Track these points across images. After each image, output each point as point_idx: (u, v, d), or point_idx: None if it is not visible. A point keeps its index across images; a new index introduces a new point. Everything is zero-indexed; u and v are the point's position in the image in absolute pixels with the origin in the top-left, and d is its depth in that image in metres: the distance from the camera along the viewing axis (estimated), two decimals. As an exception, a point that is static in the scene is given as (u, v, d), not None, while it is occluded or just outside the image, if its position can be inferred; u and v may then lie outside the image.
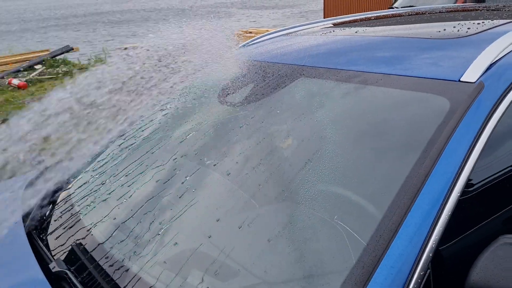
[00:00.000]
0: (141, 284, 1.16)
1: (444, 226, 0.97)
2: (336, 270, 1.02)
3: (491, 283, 0.89)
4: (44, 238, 1.52)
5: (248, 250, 1.17)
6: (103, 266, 1.26)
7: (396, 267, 0.93)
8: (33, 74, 11.13)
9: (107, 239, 1.36)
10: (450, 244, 1.00)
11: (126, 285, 1.17)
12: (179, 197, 1.39)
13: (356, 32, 1.87)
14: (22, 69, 11.63)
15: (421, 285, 0.92)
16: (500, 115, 1.12)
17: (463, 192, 1.02)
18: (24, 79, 10.58)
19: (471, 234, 1.06)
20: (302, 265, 1.06)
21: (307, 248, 1.10)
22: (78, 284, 1.20)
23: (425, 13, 2.14)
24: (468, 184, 1.04)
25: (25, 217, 1.61)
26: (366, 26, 1.99)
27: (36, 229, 1.57)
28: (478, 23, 1.55)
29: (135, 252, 1.27)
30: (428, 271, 0.93)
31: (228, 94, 1.76)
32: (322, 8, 15.64)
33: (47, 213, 1.67)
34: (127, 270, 1.22)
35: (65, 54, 13.15)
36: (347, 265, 0.98)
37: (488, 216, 1.12)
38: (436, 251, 0.95)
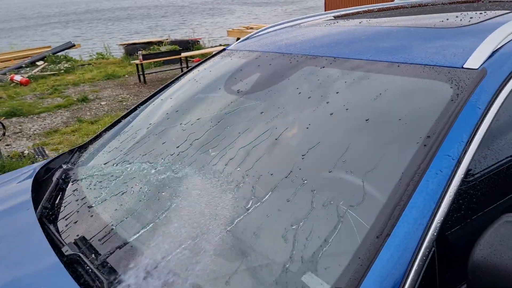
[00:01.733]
0: (151, 264, 1.19)
1: (448, 207, 1.00)
2: (343, 250, 1.05)
3: (494, 260, 0.92)
4: (55, 223, 1.55)
5: (265, 233, 1.20)
6: (113, 248, 1.29)
7: (402, 245, 0.96)
8: (35, 70, 11.16)
9: (117, 222, 1.40)
10: (455, 222, 1.03)
11: (137, 265, 1.20)
12: (191, 182, 1.42)
13: (360, 23, 1.89)
14: (24, 65, 11.67)
15: (426, 262, 0.95)
16: (503, 99, 1.15)
17: (467, 174, 1.05)
18: (26, 75, 10.61)
19: (474, 213, 1.09)
20: (310, 246, 1.10)
21: (315, 230, 1.13)
22: (91, 266, 1.23)
23: (427, 5, 2.16)
24: (471, 166, 1.07)
25: (36, 204, 1.64)
26: (371, 18, 2.01)
27: (47, 215, 1.60)
28: (480, 13, 1.58)
29: (144, 233, 1.30)
30: (433, 248, 0.96)
31: (234, 84, 1.79)
32: (323, 4, 15.66)
33: (57, 200, 1.70)
34: (137, 251, 1.25)
35: (67, 50, 13.19)
36: (353, 244, 1.01)
37: (490, 198, 1.16)
38: (441, 230, 0.98)
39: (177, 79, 2.17)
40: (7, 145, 6.26)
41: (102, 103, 8.44)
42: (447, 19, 1.64)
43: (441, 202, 1.00)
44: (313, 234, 1.10)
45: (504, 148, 1.18)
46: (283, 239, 1.13)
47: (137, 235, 1.31)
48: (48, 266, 1.33)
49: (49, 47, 13.48)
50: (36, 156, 5.37)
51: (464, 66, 1.23)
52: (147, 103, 2.11)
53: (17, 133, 6.86)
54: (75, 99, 8.66)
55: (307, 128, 1.40)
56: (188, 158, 1.51)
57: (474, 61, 1.23)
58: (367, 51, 1.51)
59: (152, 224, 1.34)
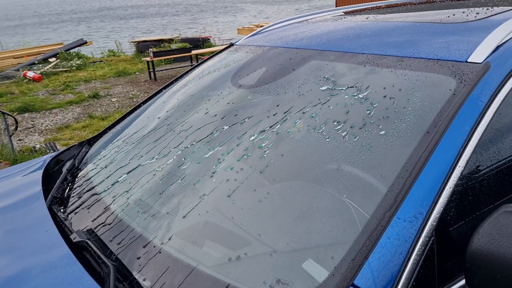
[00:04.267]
0: (156, 251, 1.22)
1: (448, 197, 1.02)
2: (343, 239, 1.06)
3: (492, 248, 0.93)
4: (64, 212, 1.59)
5: (267, 223, 1.22)
6: (120, 236, 1.32)
7: (402, 234, 0.97)
8: (47, 67, 11.29)
9: (123, 210, 1.43)
10: (454, 213, 1.04)
11: (144, 252, 1.23)
12: (197, 172, 1.45)
13: (366, 18, 1.90)
14: (36, 61, 11.82)
15: (425, 251, 0.96)
16: (506, 93, 1.16)
17: (467, 166, 1.06)
18: (39, 72, 10.74)
19: (474, 204, 1.10)
20: (311, 235, 1.12)
21: (317, 219, 1.15)
22: (98, 252, 1.26)
23: (436, 1, 2.17)
24: (472, 158, 1.08)
25: (46, 194, 1.68)
26: (378, 14, 2.02)
27: (56, 204, 1.64)
28: (487, 9, 1.59)
29: (150, 221, 1.33)
30: (432, 238, 0.98)
31: (241, 78, 1.82)
32: (334, 3, 15.62)
33: (66, 190, 1.74)
34: (143, 239, 1.28)
35: (79, 47, 13.32)
36: (354, 233, 1.03)
37: (490, 190, 1.17)
38: (440, 220, 1.00)
39: (185, 74, 2.20)
40: (20, 139, 6.36)
41: (113, 99, 8.52)
42: (454, 15, 1.65)
43: (441, 193, 1.01)
44: (314, 223, 1.12)
45: (505, 141, 1.19)
46: (285, 227, 1.15)
47: (144, 223, 1.34)
48: (57, 253, 1.37)
49: (62, 44, 13.64)
50: (48, 151, 5.45)
51: (468, 60, 1.24)
52: (155, 98, 2.14)
53: (29, 128, 6.96)
54: (86, 96, 8.76)
55: (312, 121, 1.41)
56: (194, 152, 1.53)
57: (478, 56, 1.24)
58: (373, 45, 1.53)
59: (158, 212, 1.37)
